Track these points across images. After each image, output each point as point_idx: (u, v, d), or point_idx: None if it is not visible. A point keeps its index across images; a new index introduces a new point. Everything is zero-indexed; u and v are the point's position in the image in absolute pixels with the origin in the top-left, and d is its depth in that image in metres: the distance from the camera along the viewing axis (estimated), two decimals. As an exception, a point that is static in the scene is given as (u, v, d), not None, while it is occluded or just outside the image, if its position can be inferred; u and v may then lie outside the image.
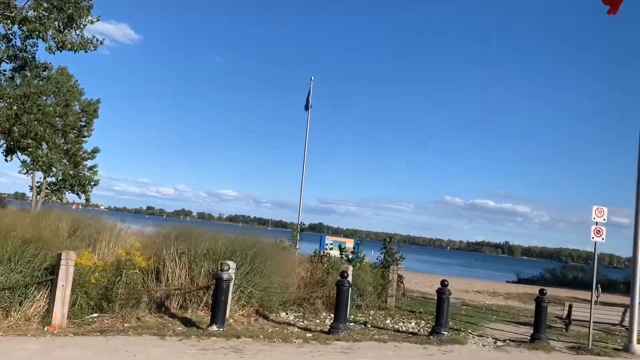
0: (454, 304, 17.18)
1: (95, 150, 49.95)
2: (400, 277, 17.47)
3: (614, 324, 13.13)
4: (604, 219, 10.46)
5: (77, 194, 49.43)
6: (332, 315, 10.23)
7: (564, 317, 13.22)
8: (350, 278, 11.71)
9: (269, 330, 8.68)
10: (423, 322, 12.20)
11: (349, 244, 34.37)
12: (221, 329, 7.97)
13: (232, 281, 9.25)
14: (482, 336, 10.94)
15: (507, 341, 10.54)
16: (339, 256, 16.64)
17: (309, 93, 30.21)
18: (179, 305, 9.45)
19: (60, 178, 48.17)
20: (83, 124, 48.90)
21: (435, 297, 15.33)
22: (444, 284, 10.34)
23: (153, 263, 9.87)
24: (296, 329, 9.17)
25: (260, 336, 8.02)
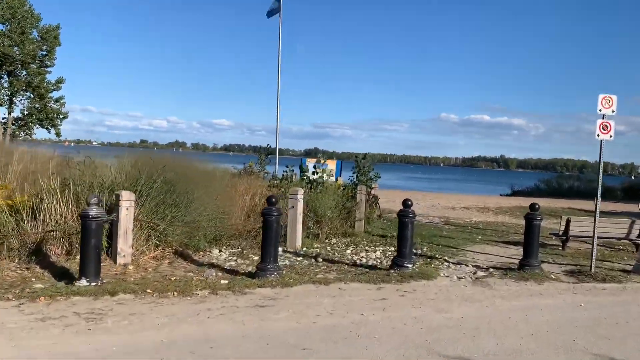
0: (436, 224, 15.21)
1: (59, 81, 46.57)
2: (374, 198, 15.39)
3: (618, 238, 11.15)
4: (613, 111, 8.13)
5: (47, 129, 46.69)
6: (280, 250, 8.19)
7: (560, 233, 11.20)
8: (300, 203, 9.57)
9: (172, 279, 6.54)
10: (392, 248, 10.15)
11: (331, 165, 32.35)
12: (94, 284, 5.81)
13: (128, 217, 7.04)
14: (461, 264, 8.91)
15: (491, 270, 8.52)
16: (313, 178, 14.60)
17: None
18: (65, 251, 7.28)
19: (26, 112, 45.23)
20: (44, 52, 45.51)
21: (420, 219, 13.63)
22: (406, 204, 8.15)
23: (34, 200, 7.62)
24: (214, 273, 7.04)
25: (149, 290, 5.88)
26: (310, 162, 29.02)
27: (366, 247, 10.23)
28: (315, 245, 9.96)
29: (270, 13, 21.98)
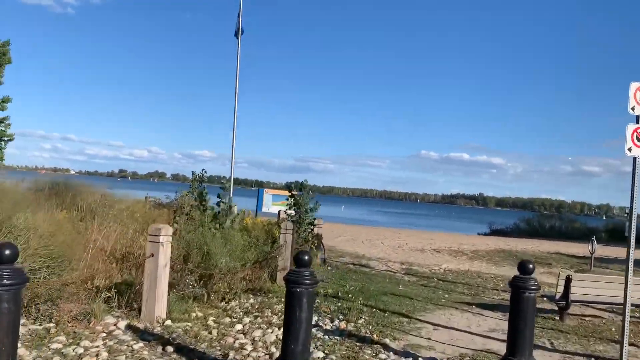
0: (393, 274, 11.86)
1: (5, 100, 42.85)
2: (317, 238, 12.06)
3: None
4: (653, 110, 4.99)
5: (-12, 152, 42.72)
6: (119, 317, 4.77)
7: (557, 296, 7.93)
8: (164, 249, 6.19)
9: None
10: (325, 318, 6.78)
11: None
12: None
13: None
14: (409, 356, 5.55)
15: (453, 369, 5.18)
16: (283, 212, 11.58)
17: (238, 14, 24.36)
18: None
19: (-36, 134, 41.32)
20: (-11, 69, 41.96)
21: (377, 266, 10.36)
22: (301, 260, 4.70)
23: None
24: None
25: None
26: (268, 193, 25.82)
27: (275, 316, 6.81)
28: (196, 314, 6.53)
29: (237, 33, 19.46)
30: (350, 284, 9.84)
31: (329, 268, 11.74)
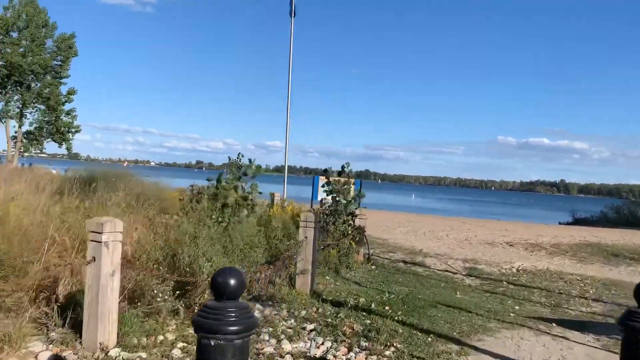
0: (453, 275, 9.74)
1: (70, 92, 43.52)
2: (358, 231, 10.17)
3: None
4: None
5: (59, 143, 43.66)
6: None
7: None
8: (109, 252, 4.54)
9: None
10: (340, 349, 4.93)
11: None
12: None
13: None
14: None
15: None
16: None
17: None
18: None
19: (35, 126, 42.33)
20: (58, 63, 42.76)
21: (433, 265, 8.81)
22: (221, 288, 2.75)
23: None
24: None
25: None
26: (322, 180, 24.32)
27: (278, 337, 5.00)
28: (163, 337, 4.84)
29: (291, 12, 18.64)
30: (393, 289, 7.89)
31: (373, 267, 9.81)
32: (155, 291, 5.10)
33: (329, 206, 10.26)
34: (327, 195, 10.38)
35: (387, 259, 11.04)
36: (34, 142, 42.90)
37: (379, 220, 23.44)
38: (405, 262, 10.85)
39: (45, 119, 42.22)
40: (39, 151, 44.41)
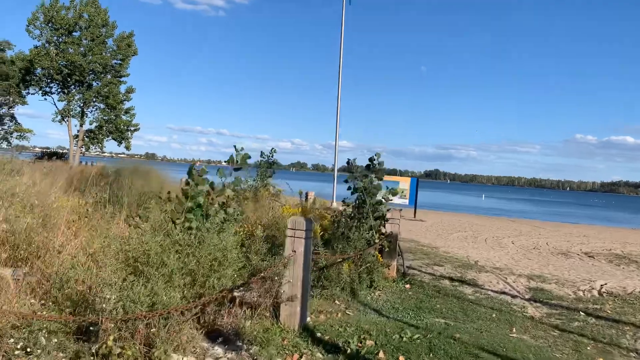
0: (510, 300, 7.44)
1: (129, 90, 43.65)
2: (390, 240, 8.13)
3: None
4: None
5: (118, 142, 43.89)
6: None
7: None
8: None
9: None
10: None
11: (404, 183, 24.84)
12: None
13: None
14: None
15: None
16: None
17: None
18: None
19: (96, 125, 42.69)
20: (118, 61, 42.96)
21: (488, 283, 7.28)
22: None
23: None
24: None
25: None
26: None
27: None
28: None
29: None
30: (424, 321, 5.80)
31: (407, 286, 7.70)
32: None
33: (354, 207, 8.27)
34: (352, 193, 8.37)
35: (429, 274, 8.89)
36: (94, 140, 43.30)
37: (436, 223, 21.07)
38: (452, 279, 8.65)
39: (105, 117, 42.52)
40: (99, 150, 44.82)
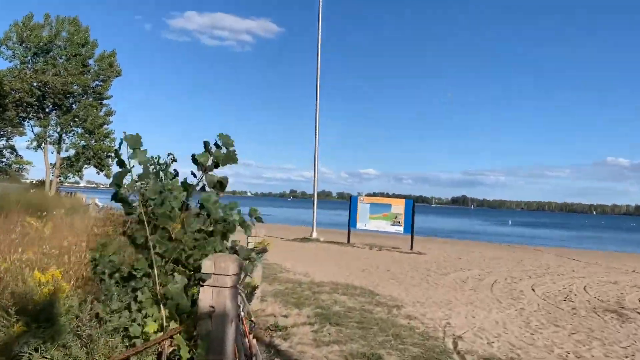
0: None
1: (108, 113, 39.98)
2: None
3: None
4: None
5: (98, 169, 40.05)
6: None
7: None
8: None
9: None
10: None
11: (397, 207, 20.69)
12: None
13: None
14: None
15: None
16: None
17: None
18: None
19: (73, 152, 38.92)
20: (99, 82, 39.49)
21: None
22: None
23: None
24: None
25: None
26: (364, 202, 18.89)
27: None
28: None
29: None
30: None
31: None
32: None
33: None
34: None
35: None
36: (72, 168, 39.56)
37: (437, 256, 16.31)
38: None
39: (82, 143, 38.82)
40: (78, 178, 41.07)
